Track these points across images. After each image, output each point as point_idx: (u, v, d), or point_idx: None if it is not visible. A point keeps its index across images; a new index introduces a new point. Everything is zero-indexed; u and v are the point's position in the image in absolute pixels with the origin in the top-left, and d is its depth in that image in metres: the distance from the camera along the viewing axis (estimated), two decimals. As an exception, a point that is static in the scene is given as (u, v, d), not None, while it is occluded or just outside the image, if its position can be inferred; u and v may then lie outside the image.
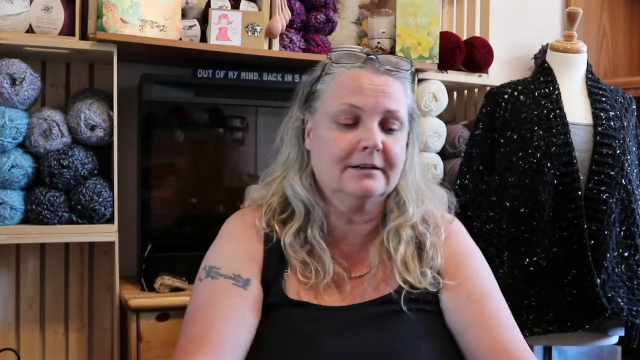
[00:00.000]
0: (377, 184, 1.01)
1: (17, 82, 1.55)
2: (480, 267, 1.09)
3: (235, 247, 1.06)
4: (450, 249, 1.08)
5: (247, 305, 0.99)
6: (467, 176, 1.79)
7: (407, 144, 1.09)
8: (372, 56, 1.04)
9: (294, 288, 1.03)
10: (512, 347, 0.98)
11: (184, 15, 1.78)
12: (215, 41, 1.75)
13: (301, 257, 1.04)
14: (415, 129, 1.11)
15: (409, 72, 1.07)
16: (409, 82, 1.08)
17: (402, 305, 1.00)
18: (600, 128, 1.69)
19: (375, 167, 1.01)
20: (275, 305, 1.01)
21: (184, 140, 1.84)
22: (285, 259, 1.05)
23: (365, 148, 0.99)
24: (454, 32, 2.25)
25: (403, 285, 1.02)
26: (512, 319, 1.04)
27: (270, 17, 1.83)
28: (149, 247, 1.68)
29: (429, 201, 1.12)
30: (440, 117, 2.09)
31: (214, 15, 1.75)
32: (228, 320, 0.96)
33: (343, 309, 1.02)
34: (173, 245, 1.75)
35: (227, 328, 0.95)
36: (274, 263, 1.05)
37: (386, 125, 1.02)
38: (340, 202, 1.06)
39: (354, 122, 1.01)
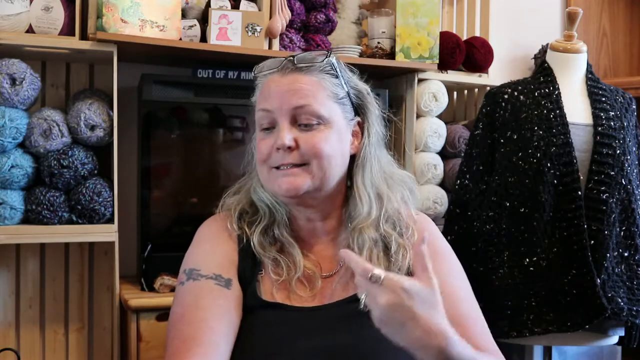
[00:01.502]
0: (299, 180, 1.02)
1: (17, 82, 1.55)
2: (450, 267, 1.09)
3: (211, 249, 1.08)
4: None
5: (231, 305, 1.01)
6: (467, 176, 1.79)
7: (362, 136, 1.10)
8: (291, 57, 1.06)
9: (268, 289, 1.05)
10: (480, 342, 0.97)
11: (184, 15, 1.78)
12: (215, 41, 1.75)
13: (272, 255, 1.06)
14: (371, 119, 1.11)
15: (324, 63, 1.06)
16: (330, 75, 1.06)
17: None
18: (600, 128, 1.69)
19: (294, 165, 1.02)
20: (250, 307, 1.03)
21: (184, 140, 1.84)
22: (258, 261, 1.07)
23: (278, 149, 1.02)
24: (454, 32, 2.25)
25: None
26: (481, 318, 1.04)
27: (270, 17, 1.83)
28: (149, 247, 1.68)
29: (395, 199, 1.11)
30: (440, 117, 2.09)
31: (214, 15, 1.75)
32: (219, 319, 0.97)
33: (314, 310, 1.03)
34: (173, 245, 1.74)
35: (219, 327, 0.97)
36: (249, 265, 1.06)
37: (301, 122, 1.03)
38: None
39: (271, 125, 1.05)
